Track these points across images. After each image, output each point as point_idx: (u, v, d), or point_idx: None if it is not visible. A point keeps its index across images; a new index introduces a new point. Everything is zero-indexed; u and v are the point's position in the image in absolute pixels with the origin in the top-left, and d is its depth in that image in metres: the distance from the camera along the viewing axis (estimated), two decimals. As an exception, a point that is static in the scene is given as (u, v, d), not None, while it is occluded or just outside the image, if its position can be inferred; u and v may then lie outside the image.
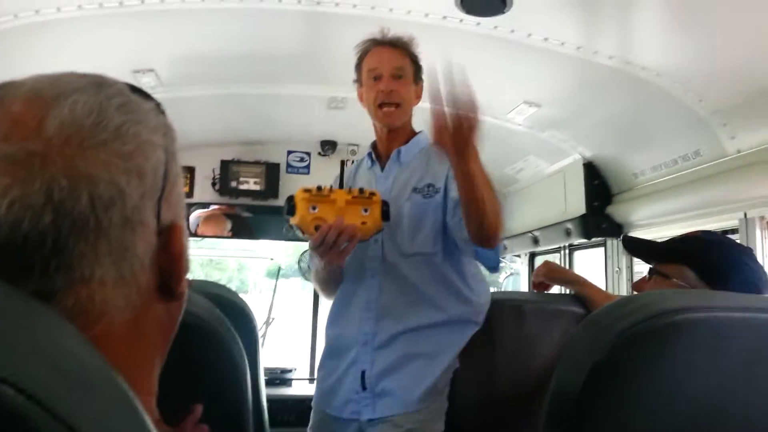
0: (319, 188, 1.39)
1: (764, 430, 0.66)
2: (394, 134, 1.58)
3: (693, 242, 1.22)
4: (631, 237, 1.37)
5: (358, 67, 1.57)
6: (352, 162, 3.34)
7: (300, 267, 3.44)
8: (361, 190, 1.39)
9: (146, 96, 0.48)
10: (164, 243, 0.45)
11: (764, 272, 1.14)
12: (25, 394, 0.24)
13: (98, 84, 0.44)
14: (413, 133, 1.62)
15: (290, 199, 1.37)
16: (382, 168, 1.61)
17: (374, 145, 1.67)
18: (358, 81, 1.59)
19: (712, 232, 1.30)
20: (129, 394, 0.32)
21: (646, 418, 0.65)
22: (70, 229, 0.38)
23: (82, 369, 0.30)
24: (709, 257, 1.16)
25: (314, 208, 1.37)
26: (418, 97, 1.58)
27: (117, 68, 2.11)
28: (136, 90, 0.47)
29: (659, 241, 1.35)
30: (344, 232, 1.33)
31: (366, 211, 1.38)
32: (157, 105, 0.49)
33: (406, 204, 1.51)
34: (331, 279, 1.56)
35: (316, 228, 1.35)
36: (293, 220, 1.37)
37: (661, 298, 0.70)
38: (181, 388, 0.63)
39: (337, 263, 1.43)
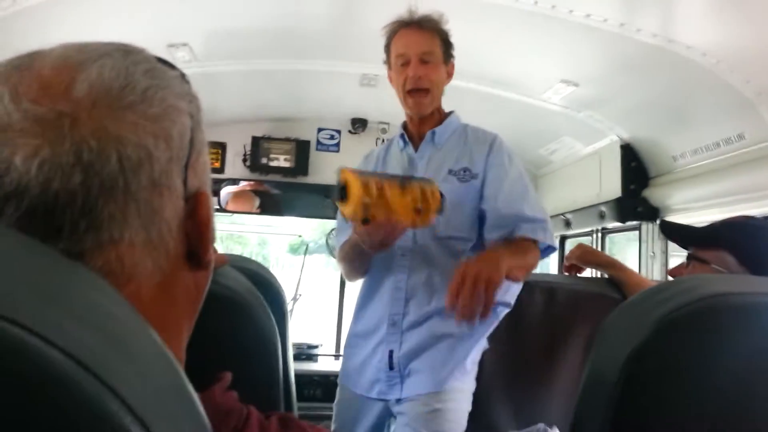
0: (375, 177, 1.24)
1: None
2: (425, 117, 1.57)
3: (734, 227, 1.18)
4: (669, 222, 1.34)
5: (387, 49, 1.55)
6: (383, 141, 3.37)
7: (328, 244, 3.47)
8: (423, 195, 1.26)
9: (170, 65, 0.48)
10: (191, 210, 0.46)
11: None
12: (72, 357, 0.24)
13: (125, 51, 0.44)
14: (445, 114, 1.60)
15: (343, 188, 1.23)
16: (416, 149, 1.59)
17: (405, 126, 1.64)
18: (388, 63, 1.56)
19: (754, 218, 1.25)
20: (169, 356, 0.32)
21: (685, 405, 0.64)
22: (99, 190, 0.38)
23: (122, 330, 0.30)
24: (751, 243, 1.13)
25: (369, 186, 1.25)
26: (450, 75, 1.55)
27: (152, 42, 2.10)
28: (160, 60, 0.48)
29: (697, 226, 1.31)
30: (394, 232, 1.28)
31: (420, 210, 1.29)
32: (182, 74, 0.49)
33: (442, 186, 1.48)
34: (359, 261, 1.53)
35: (364, 221, 1.24)
36: (342, 210, 1.27)
37: (700, 283, 0.68)
38: (212, 357, 0.64)
39: (379, 252, 1.38)
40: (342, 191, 1.23)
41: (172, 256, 0.44)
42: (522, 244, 1.38)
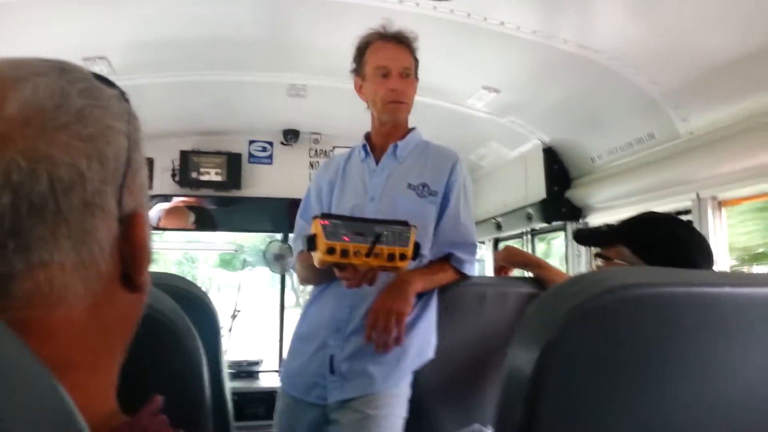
0: (344, 252, 1.26)
1: (713, 402, 0.69)
2: (393, 129, 1.60)
3: (629, 223, 1.26)
4: (581, 229, 1.42)
5: (359, 58, 1.57)
6: (315, 151, 3.36)
7: (265, 258, 3.42)
8: (390, 257, 1.28)
9: (109, 83, 0.48)
10: (126, 231, 0.45)
11: (706, 245, 1.18)
12: None
13: (61, 69, 0.44)
14: (408, 129, 1.64)
15: (311, 238, 1.28)
16: (377, 161, 1.61)
17: (368, 137, 1.66)
18: (358, 72, 1.58)
19: (653, 212, 1.33)
20: (53, 384, 0.31)
21: (599, 395, 0.67)
22: (28, 211, 0.38)
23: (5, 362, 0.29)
24: (642, 234, 1.20)
25: (334, 251, 1.27)
26: (415, 90, 1.60)
27: (65, 56, 2.02)
28: (99, 77, 0.47)
29: (604, 227, 1.40)
30: (367, 277, 1.32)
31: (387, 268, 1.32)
32: (121, 93, 0.48)
33: (400, 199, 1.52)
34: (321, 277, 1.54)
35: (338, 266, 1.31)
36: (314, 258, 1.31)
37: (607, 276, 0.71)
38: (139, 380, 0.62)
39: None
40: (311, 241, 1.27)
41: (105, 278, 0.43)
42: (441, 266, 1.53)
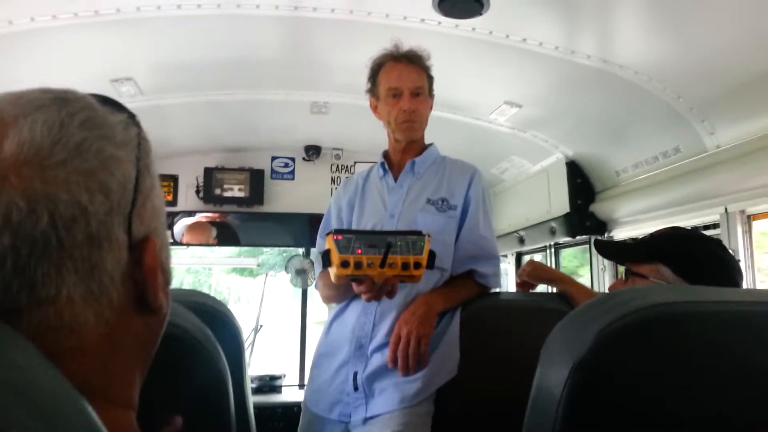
0: (357, 265, 1.27)
1: (746, 420, 0.67)
2: (409, 146, 1.62)
3: (665, 239, 1.22)
4: (602, 240, 1.38)
5: (373, 79, 1.59)
6: (337, 167, 3.38)
7: (287, 271, 3.43)
8: (405, 266, 1.28)
9: (118, 107, 0.47)
10: (138, 257, 0.45)
11: (735, 261, 1.16)
12: None
13: (62, 100, 0.43)
14: (425, 146, 1.66)
15: (326, 253, 1.29)
16: (395, 178, 1.62)
17: (386, 155, 1.68)
18: (373, 93, 1.61)
19: (681, 228, 1.30)
20: (89, 414, 0.31)
21: (628, 414, 0.65)
22: (30, 250, 0.38)
23: (38, 390, 0.29)
24: (684, 252, 1.17)
25: (348, 264, 1.28)
26: (431, 108, 1.62)
27: (95, 78, 2.09)
28: (108, 102, 0.46)
29: (629, 241, 1.36)
30: (384, 289, 1.32)
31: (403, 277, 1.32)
32: (131, 116, 0.48)
33: (420, 215, 1.53)
34: (343, 294, 1.55)
35: (354, 278, 1.31)
36: (330, 274, 1.32)
37: (640, 294, 0.70)
38: (161, 399, 0.62)
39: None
40: (326, 257, 1.28)
41: (117, 305, 0.43)
42: (463, 283, 1.53)
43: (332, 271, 1.29)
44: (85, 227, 0.40)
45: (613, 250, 1.37)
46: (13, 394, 0.27)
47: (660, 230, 1.27)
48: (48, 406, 0.29)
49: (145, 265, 0.45)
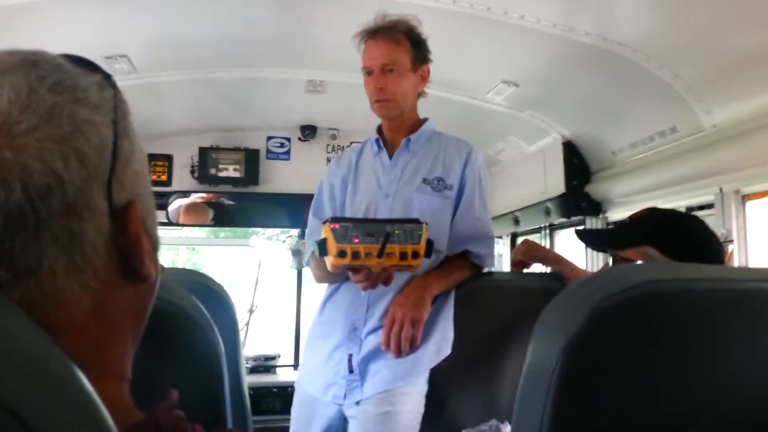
0: (355, 254, 1.25)
1: (739, 397, 0.68)
2: (398, 123, 1.58)
3: (650, 221, 1.22)
4: (583, 229, 1.37)
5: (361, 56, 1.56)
6: (333, 147, 3.36)
7: (293, 254, 3.43)
8: (402, 255, 1.28)
9: (92, 68, 0.45)
10: (121, 225, 0.43)
11: (716, 236, 1.16)
12: None
13: (30, 62, 0.41)
14: (420, 121, 1.62)
15: (322, 243, 1.27)
16: (390, 155, 1.59)
17: (379, 130, 1.64)
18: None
19: (658, 209, 1.30)
20: (78, 377, 0.31)
21: (621, 391, 0.66)
22: (5, 223, 0.37)
23: (29, 354, 0.29)
24: (670, 232, 1.17)
25: (345, 254, 1.26)
26: (424, 79, 1.57)
27: (88, 54, 2.05)
28: (80, 62, 0.44)
29: (610, 227, 1.35)
30: (381, 278, 1.31)
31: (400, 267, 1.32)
32: (105, 77, 0.46)
33: (415, 195, 1.51)
34: (335, 276, 1.54)
35: (351, 268, 1.30)
36: (327, 262, 1.30)
37: (633, 271, 0.70)
38: (156, 375, 0.62)
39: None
40: (322, 246, 1.27)
41: (103, 275, 0.42)
42: (458, 264, 1.53)
43: (329, 260, 1.27)
44: (62, 196, 0.38)
45: (595, 238, 1.36)
46: (5, 361, 0.27)
47: (638, 213, 1.26)
48: (39, 371, 0.29)
49: (129, 232, 0.44)
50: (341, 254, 1.24)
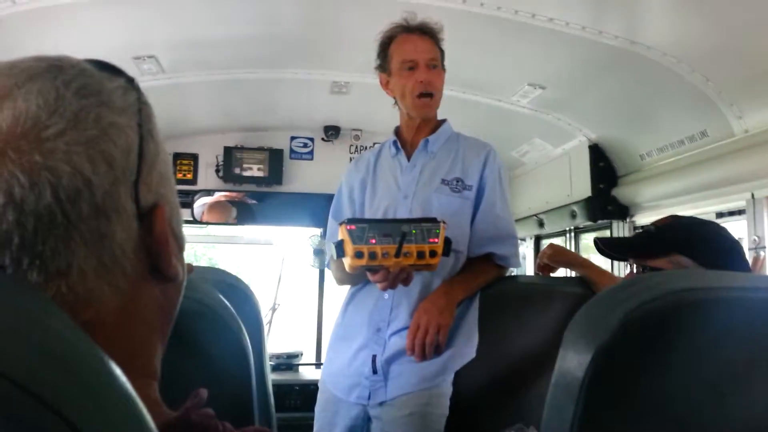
0: (372, 255, 1.25)
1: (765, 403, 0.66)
2: (423, 123, 1.58)
3: (680, 229, 1.18)
4: (601, 238, 1.31)
5: (383, 54, 1.55)
6: (356, 147, 3.37)
7: (315, 254, 3.45)
8: (420, 255, 1.27)
9: (116, 72, 0.46)
10: (148, 226, 0.44)
11: (739, 244, 1.14)
12: (8, 378, 0.24)
13: (56, 68, 0.41)
14: (438, 122, 1.61)
15: (339, 244, 1.28)
16: (408, 157, 1.59)
17: (397, 132, 1.64)
18: (383, 68, 1.56)
19: (682, 216, 1.26)
20: (121, 378, 0.31)
21: (651, 399, 0.65)
22: (36, 226, 0.37)
23: (69, 353, 0.29)
24: (702, 240, 1.14)
25: (362, 255, 1.26)
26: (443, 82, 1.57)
27: (117, 55, 2.09)
28: (104, 67, 0.45)
29: (632, 235, 1.31)
30: (399, 278, 1.31)
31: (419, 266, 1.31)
32: (129, 80, 0.46)
33: (434, 196, 1.50)
34: (356, 278, 1.54)
35: (369, 269, 1.31)
36: (345, 264, 1.31)
37: (666, 278, 0.69)
38: (184, 373, 0.63)
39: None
40: (339, 247, 1.27)
41: (132, 275, 0.43)
42: (482, 267, 1.52)
43: (346, 261, 1.28)
44: (91, 199, 0.39)
45: (614, 247, 1.30)
46: (49, 358, 0.27)
47: (662, 220, 1.22)
48: (82, 372, 0.29)
49: (155, 233, 0.44)
50: (358, 255, 1.24)
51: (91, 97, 0.41)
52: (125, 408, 0.31)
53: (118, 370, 0.31)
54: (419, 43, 1.50)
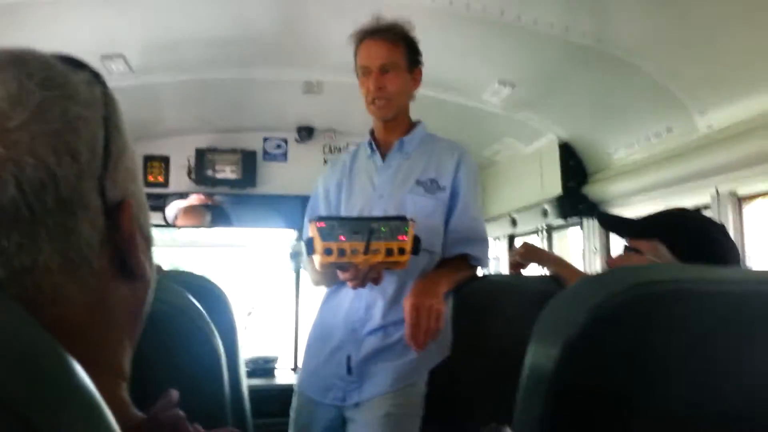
0: (341, 251, 1.26)
1: (742, 401, 0.68)
2: (392, 125, 1.59)
3: (666, 218, 1.23)
4: (607, 213, 1.38)
5: (354, 58, 1.57)
6: (330, 148, 3.36)
7: (291, 257, 3.43)
8: (389, 252, 1.28)
9: (79, 65, 0.45)
10: (115, 222, 0.43)
11: (736, 248, 1.16)
12: None
13: (20, 60, 0.41)
14: (412, 124, 1.63)
15: (309, 241, 1.29)
16: (383, 157, 1.60)
17: (372, 133, 1.66)
18: (356, 72, 1.58)
19: (686, 209, 1.31)
20: (83, 378, 0.31)
21: (621, 393, 0.66)
22: (0, 220, 0.36)
23: (28, 351, 0.29)
24: (681, 232, 1.17)
25: (332, 252, 1.27)
26: (417, 81, 1.59)
27: (84, 54, 2.04)
28: (68, 61, 0.44)
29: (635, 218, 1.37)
30: (369, 276, 1.31)
31: (389, 252, 1.30)
32: (94, 74, 0.46)
33: (408, 197, 1.52)
34: (330, 280, 1.55)
35: (338, 266, 1.31)
36: (315, 260, 1.31)
37: (634, 272, 0.70)
38: (155, 376, 0.62)
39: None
40: (309, 245, 1.29)
41: (99, 273, 0.42)
42: (459, 264, 1.53)
43: (316, 259, 1.29)
44: (56, 192, 0.38)
45: (616, 224, 1.38)
46: (8, 361, 0.27)
47: (666, 210, 1.27)
48: (41, 371, 0.29)
49: (123, 229, 0.44)
50: (327, 252, 1.26)
51: (56, 89, 0.41)
52: (86, 408, 0.30)
53: (80, 369, 0.31)
54: (373, 48, 1.51)
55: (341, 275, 1.33)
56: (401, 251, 1.29)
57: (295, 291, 3.43)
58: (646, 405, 0.66)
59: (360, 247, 1.26)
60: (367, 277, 1.30)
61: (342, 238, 1.26)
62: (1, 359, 0.26)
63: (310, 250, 1.28)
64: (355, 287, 1.34)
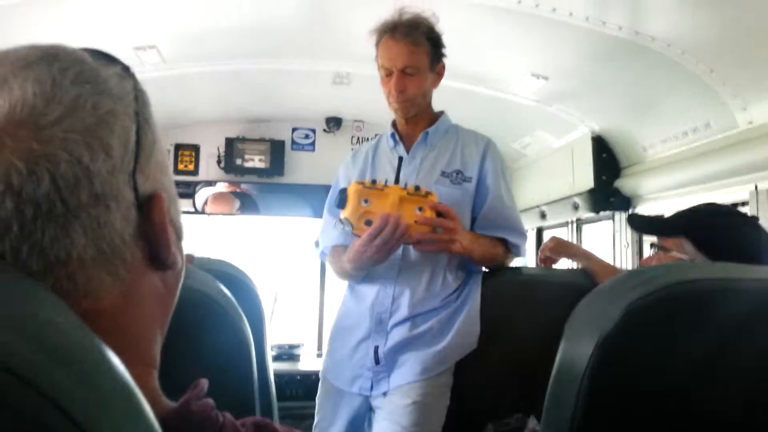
0: (373, 181, 1.37)
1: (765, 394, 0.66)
2: (414, 119, 1.58)
3: (692, 214, 1.21)
4: (637, 215, 1.37)
5: (376, 54, 1.55)
6: (358, 139, 3.36)
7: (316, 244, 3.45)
8: (417, 187, 1.35)
9: (110, 59, 0.45)
10: (146, 214, 0.44)
11: (765, 241, 1.13)
12: (5, 369, 0.23)
13: (51, 56, 0.41)
14: (436, 115, 1.62)
15: (342, 192, 1.34)
16: (407, 149, 1.59)
17: (395, 124, 1.65)
18: (377, 65, 1.57)
19: (714, 204, 1.28)
20: (120, 368, 0.31)
21: (653, 390, 0.65)
22: (35, 214, 0.37)
23: (68, 343, 0.29)
24: (706, 228, 1.15)
25: (366, 202, 1.34)
26: (440, 75, 1.57)
27: (118, 45, 2.09)
28: (99, 55, 0.45)
29: (664, 216, 1.34)
30: (398, 229, 1.31)
31: (420, 210, 1.35)
32: (125, 68, 0.46)
33: (434, 188, 1.50)
34: (353, 274, 1.54)
35: (367, 223, 1.33)
36: (343, 213, 1.35)
37: (667, 271, 0.69)
38: (185, 363, 0.63)
39: (378, 261, 1.39)
40: (342, 198, 1.34)
41: (131, 264, 0.43)
42: (495, 242, 1.52)
43: (348, 206, 1.35)
44: (89, 187, 0.39)
45: (645, 224, 1.36)
46: (48, 348, 0.27)
47: (693, 206, 1.25)
48: (80, 361, 0.29)
49: (154, 221, 0.44)
50: (360, 183, 1.36)
51: (88, 84, 0.41)
52: (124, 398, 0.31)
53: (117, 361, 0.31)
54: (395, 48, 1.48)
55: (367, 232, 1.34)
56: (427, 194, 1.37)
57: (320, 278, 3.45)
58: (681, 404, 0.65)
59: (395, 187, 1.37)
60: (398, 226, 1.31)
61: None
62: (41, 351, 0.27)
63: (342, 201, 1.34)
64: (369, 254, 1.34)
